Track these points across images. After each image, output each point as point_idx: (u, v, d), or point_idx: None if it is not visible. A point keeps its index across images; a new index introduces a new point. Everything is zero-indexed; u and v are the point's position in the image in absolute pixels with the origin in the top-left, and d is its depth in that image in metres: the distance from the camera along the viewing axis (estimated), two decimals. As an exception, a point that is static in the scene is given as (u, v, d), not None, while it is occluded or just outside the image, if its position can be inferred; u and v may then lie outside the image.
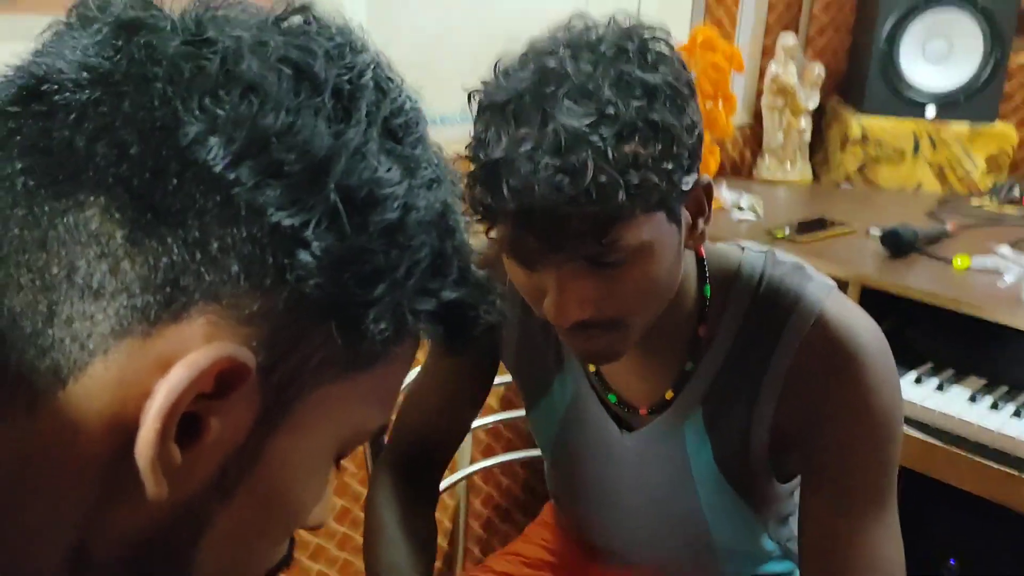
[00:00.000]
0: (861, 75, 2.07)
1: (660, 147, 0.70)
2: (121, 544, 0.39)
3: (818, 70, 2.02)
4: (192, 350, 0.35)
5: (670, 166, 0.71)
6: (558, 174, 0.67)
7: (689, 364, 0.89)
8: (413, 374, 1.16)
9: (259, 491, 0.40)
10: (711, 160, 1.82)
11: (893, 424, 0.84)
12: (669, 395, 0.91)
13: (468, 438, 1.67)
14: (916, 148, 2.02)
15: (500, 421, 1.64)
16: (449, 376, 1.06)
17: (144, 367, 0.35)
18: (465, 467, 1.48)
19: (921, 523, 1.66)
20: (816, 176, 2.14)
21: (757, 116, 2.13)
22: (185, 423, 0.36)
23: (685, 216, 0.79)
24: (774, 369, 0.86)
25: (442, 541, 1.88)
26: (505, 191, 0.69)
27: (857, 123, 2.02)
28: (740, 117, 2.11)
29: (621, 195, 0.68)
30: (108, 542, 0.38)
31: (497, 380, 1.14)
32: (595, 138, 0.67)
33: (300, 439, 0.41)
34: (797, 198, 2.04)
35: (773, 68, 2.00)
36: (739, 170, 2.18)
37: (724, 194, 1.85)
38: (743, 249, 0.91)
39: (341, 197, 0.37)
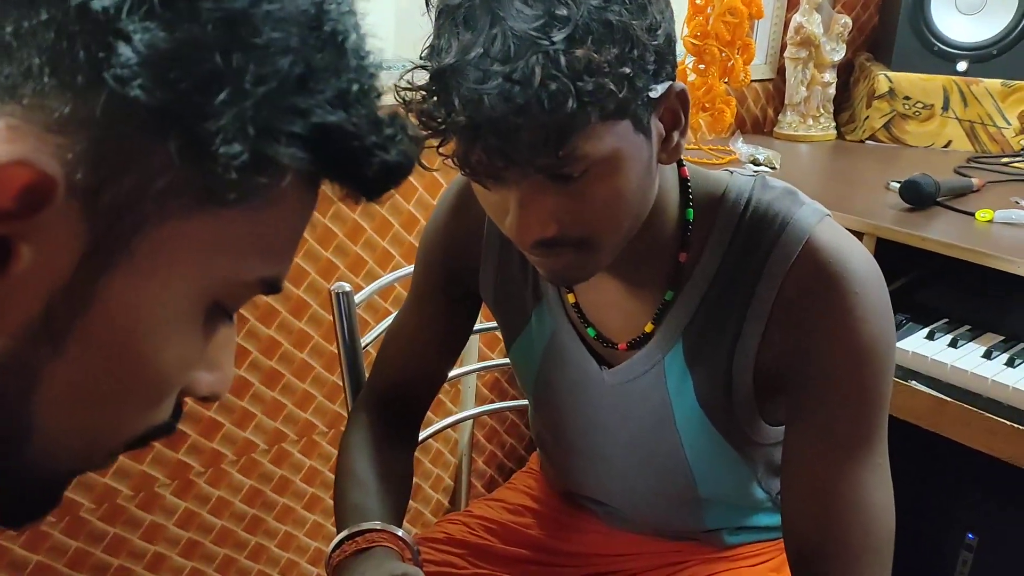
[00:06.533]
0: (890, 27, 1.98)
1: (616, 50, 0.64)
2: None
3: (844, 21, 1.93)
4: None
5: (629, 71, 0.65)
6: (506, 82, 0.62)
7: (670, 293, 0.84)
8: (392, 317, 1.13)
9: (98, 342, 0.35)
10: (727, 112, 1.75)
11: (883, 357, 0.78)
12: (649, 328, 0.86)
13: (471, 388, 1.63)
14: (946, 104, 1.93)
15: (501, 367, 1.60)
16: (428, 315, 1.02)
17: None
18: (466, 410, 1.44)
19: (937, 493, 1.60)
20: (840, 135, 2.06)
21: (780, 72, 2.06)
22: None
23: (658, 127, 0.73)
24: (759, 298, 0.80)
25: (443, 498, 1.85)
26: (455, 102, 0.64)
27: (884, 77, 1.94)
28: (762, 72, 2.04)
29: (572, 103, 0.63)
30: None
31: (491, 325, 1.10)
32: (545, 42, 0.62)
33: (145, 283, 0.35)
34: (819, 155, 1.97)
35: (797, 19, 1.92)
36: (760, 127, 2.10)
37: (740, 147, 1.78)
38: (732, 173, 0.85)
39: None
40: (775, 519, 1.02)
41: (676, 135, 0.75)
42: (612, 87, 0.64)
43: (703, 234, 0.83)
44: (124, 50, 0.31)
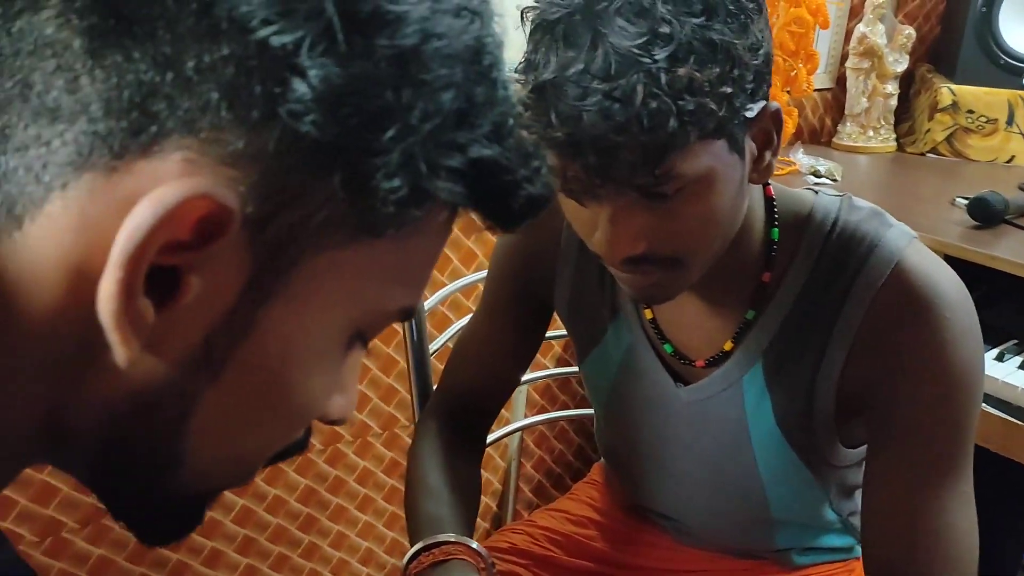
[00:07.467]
0: (953, 38, 1.95)
1: (718, 70, 0.64)
2: (100, 414, 0.35)
3: (908, 31, 1.91)
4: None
5: (730, 90, 0.65)
6: (607, 100, 0.62)
7: (751, 313, 0.84)
8: (462, 322, 1.13)
9: (253, 370, 0.36)
10: (788, 122, 1.73)
11: (972, 384, 0.77)
12: (728, 346, 0.85)
13: (522, 394, 1.64)
14: (1010, 119, 1.90)
15: (553, 376, 1.60)
16: (501, 325, 1.02)
17: (109, 207, 0.31)
18: (518, 421, 1.44)
19: (993, 513, 1.57)
20: (900, 147, 2.04)
21: (840, 82, 2.03)
22: (161, 278, 0.32)
23: (750, 147, 0.73)
24: (844, 321, 0.79)
25: (491, 502, 1.85)
26: (553, 118, 0.64)
27: (947, 90, 1.91)
28: (822, 81, 2.01)
29: (673, 122, 0.62)
30: (85, 411, 0.35)
31: (552, 334, 1.10)
32: (647, 60, 0.62)
33: (300, 312, 0.36)
34: (879, 167, 1.94)
35: (860, 29, 1.90)
36: (818, 137, 2.08)
37: (801, 158, 1.77)
38: (817, 192, 0.85)
39: (340, 11, 0.32)
40: (844, 540, 1.01)
41: (768, 155, 0.74)
42: (712, 107, 0.64)
43: (788, 254, 0.82)
44: (299, 86, 0.31)
